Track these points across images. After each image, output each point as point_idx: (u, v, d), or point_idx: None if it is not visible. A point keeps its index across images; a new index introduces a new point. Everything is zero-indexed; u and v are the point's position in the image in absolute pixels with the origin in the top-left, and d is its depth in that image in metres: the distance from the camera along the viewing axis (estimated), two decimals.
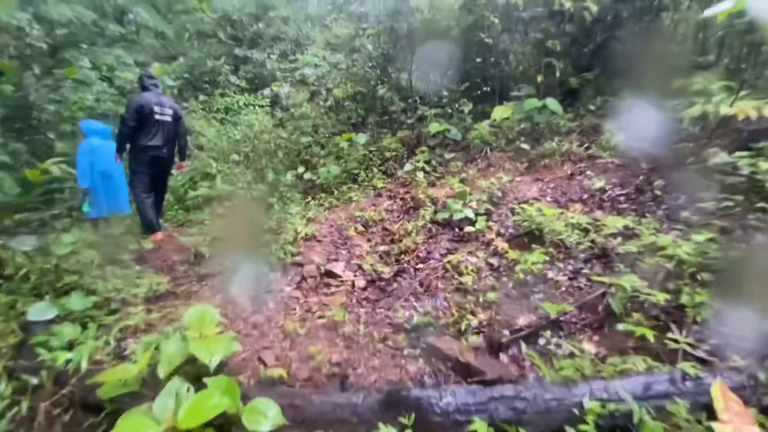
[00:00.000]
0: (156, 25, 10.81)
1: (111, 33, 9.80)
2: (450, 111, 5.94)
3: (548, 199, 3.66)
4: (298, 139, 6.75)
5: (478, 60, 6.11)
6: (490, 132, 4.92)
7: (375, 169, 5.55)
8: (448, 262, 3.11)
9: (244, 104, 8.42)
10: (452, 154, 5.26)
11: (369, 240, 3.88)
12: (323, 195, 5.44)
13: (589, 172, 3.81)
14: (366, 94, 7.35)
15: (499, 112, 4.72)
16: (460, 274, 2.95)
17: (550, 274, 2.72)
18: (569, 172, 3.97)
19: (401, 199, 4.53)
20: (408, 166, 4.69)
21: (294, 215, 4.56)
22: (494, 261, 3.03)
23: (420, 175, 4.41)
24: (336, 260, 3.52)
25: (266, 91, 8.78)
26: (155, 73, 5.09)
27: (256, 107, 8.18)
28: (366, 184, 5.35)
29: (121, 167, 4.78)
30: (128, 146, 4.39)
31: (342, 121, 7.48)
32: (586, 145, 4.19)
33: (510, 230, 3.35)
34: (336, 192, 5.39)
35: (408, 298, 2.85)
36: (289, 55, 10.56)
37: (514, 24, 5.44)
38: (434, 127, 4.94)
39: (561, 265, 2.77)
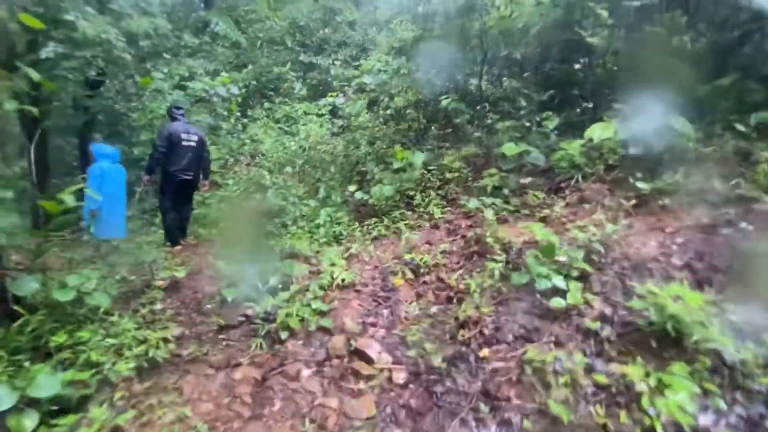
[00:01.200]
0: (232, 34, 10.69)
1: (188, 44, 9.80)
2: (528, 124, 4.74)
3: (676, 262, 2.43)
4: (353, 152, 5.95)
5: (568, 62, 4.84)
6: (582, 155, 3.69)
7: (433, 193, 4.54)
8: (527, 356, 2.07)
9: (304, 112, 7.84)
10: (529, 179, 4.09)
11: (419, 296, 2.93)
12: (373, 220, 4.56)
13: (743, 224, 2.50)
14: (428, 103, 6.34)
15: (598, 129, 3.47)
16: (546, 385, 1.90)
17: (703, 421, 1.58)
18: (706, 220, 2.67)
19: (463, 237, 3.49)
20: (473, 202, 3.61)
21: (333, 251, 3.73)
22: (600, 367, 1.93)
23: (488, 211, 3.33)
24: (374, 325, 2.62)
25: (326, 100, 8.12)
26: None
27: (315, 116, 7.54)
28: (422, 210, 4.37)
29: (124, 191, 4.98)
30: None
31: (402, 131, 6.55)
32: (732, 181, 2.83)
33: (621, 313, 2.20)
34: (387, 218, 4.48)
35: (466, 416, 1.87)
36: (354, 60, 9.83)
37: (621, 16, 4.09)
38: (510, 149, 3.79)
39: (722, 403, 1.61)
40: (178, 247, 4.76)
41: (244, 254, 3.26)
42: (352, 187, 4.90)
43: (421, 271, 3.17)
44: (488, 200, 3.66)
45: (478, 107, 5.87)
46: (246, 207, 5.97)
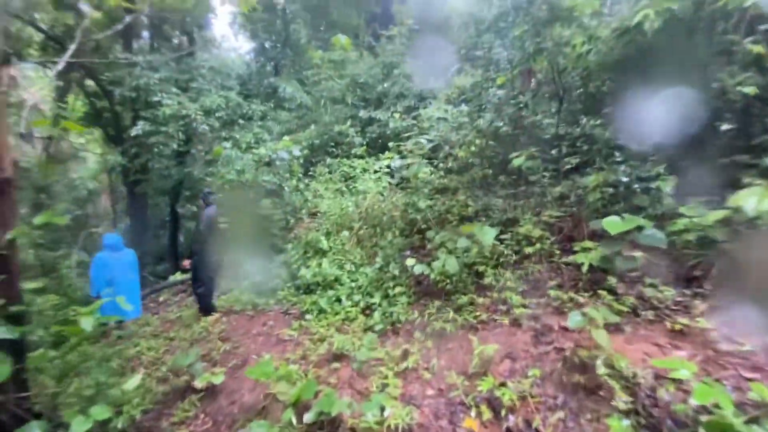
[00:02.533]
0: (298, 96, 10.94)
1: (257, 111, 10.14)
2: (625, 180, 3.64)
3: None
4: (413, 214, 5.23)
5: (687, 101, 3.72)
6: (722, 229, 2.55)
7: (509, 272, 3.59)
8: None
9: (363, 169, 7.38)
10: (640, 255, 2.98)
11: None
12: (435, 305, 3.71)
13: None
14: (497, 154, 5.48)
15: (754, 196, 2.35)
16: None
17: None
18: None
19: (559, 350, 2.50)
20: (575, 319, 2.59)
21: (384, 364, 2.92)
22: None
23: (600, 333, 2.28)
24: None
25: (381, 163, 7.64)
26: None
27: (374, 173, 7.03)
28: (495, 295, 3.43)
29: (133, 274, 5.15)
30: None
31: (465, 184, 5.72)
32: None
33: None
34: (452, 304, 3.60)
35: None
36: (412, 110, 9.35)
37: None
38: (614, 225, 2.74)
39: None
40: (214, 317, 5.03)
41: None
42: (410, 261, 4.13)
43: (503, 407, 2.23)
44: (586, 299, 2.61)
45: (555, 155, 4.88)
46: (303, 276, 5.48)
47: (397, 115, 9.24)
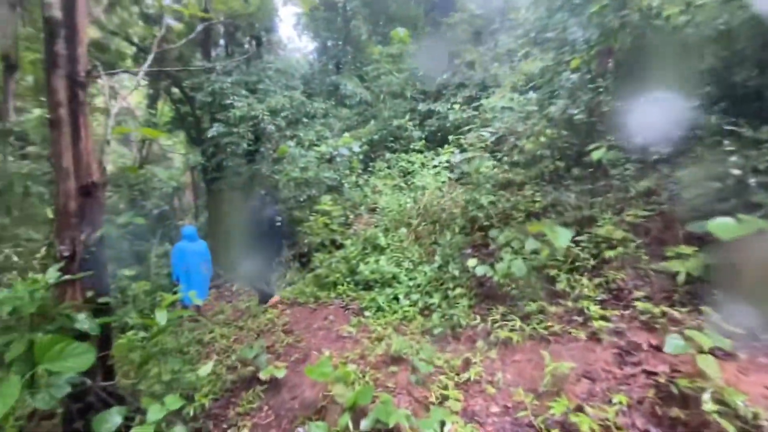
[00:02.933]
0: (358, 92, 10.99)
1: (319, 109, 10.36)
2: (737, 173, 3.02)
3: None
4: (473, 210, 4.94)
5: None
6: None
7: (585, 278, 3.19)
8: None
9: (421, 164, 7.17)
10: (754, 263, 2.44)
11: None
12: (500, 311, 3.43)
13: None
14: (568, 145, 4.95)
15: None
16: None
17: None
18: None
19: (648, 374, 2.13)
20: (673, 344, 2.18)
21: (443, 375, 2.74)
22: None
23: (706, 358, 1.88)
24: None
25: (440, 158, 7.34)
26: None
27: (432, 167, 6.79)
28: (570, 304, 3.06)
29: (200, 265, 5.56)
30: None
31: (532, 178, 5.27)
32: None
33: None
34: (518, 308, 3.30)
35: None
36: (473, 101, 8.90)
37: None
38: (728, 229, 2.23)
39: None
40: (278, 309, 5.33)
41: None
42: (471, 262, 3.87)
43: None
44: (683, 315, 2.18)
45: (640, 144, 4.25)
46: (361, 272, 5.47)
47: (456, 107, 8.87)
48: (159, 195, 11.11)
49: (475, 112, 8.44)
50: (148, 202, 9.67)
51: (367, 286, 5.50)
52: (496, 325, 3.23)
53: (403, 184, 6.83)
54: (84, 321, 1.98)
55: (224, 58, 11.95)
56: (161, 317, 2.21)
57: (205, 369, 3.55)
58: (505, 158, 5.91)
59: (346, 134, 8.00)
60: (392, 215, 6.12)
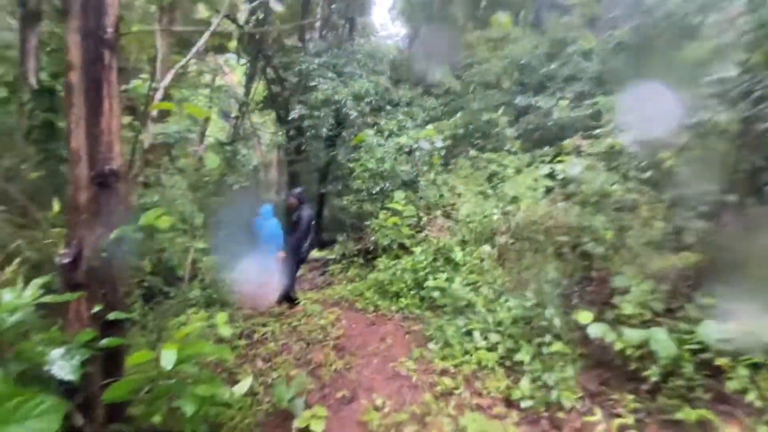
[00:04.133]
0: (446, 80, 9.90)
1: (402, 97, 9.51)
2: None
3: None
4: (585, 243, 3.72)
5: None
6: None
7: None
8: None
9: (516, 169, 5.95)
10: None
11: None
12: (626, 398, 2.32)
13: None
14: (743, 166, 3.45)
15: None
16: None
17: None
18: None
19: None
20: None
21: None
22: None
23: None
24: None
25: (547, 155, 6.00)
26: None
27: (528, 174, 5.55)
28: (752, 422, 1.87)
29: (279, 238, 5.52)
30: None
31: (674, 204, 3.85)
32: None
33: None
34: (657, 403, 2.17)
35: None
36: (585, 97, 7.30)
37: None
38: None
39: None
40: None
41: None
42: (584, 317, 2.78)
43: None
44: None
45: None
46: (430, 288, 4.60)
47: (563, 103, 7.36)
48: (243, 172, 11.31)
49: (588, 111, 6.90)
50: (229, 177, 9.79)
51: (434, 306, 4.64)
52: (624, 426, 2.14)
53: (489, 190, 5.72)
54: (62, 364, 1.42)
55: (317, 41, 11.63)
56: (167, 359, 1.62)
57: (242, 387, 3.03)
58: (632, 173, 4.49)
59: (430, 126, 7.05)
60: (473, 226, 5.11)
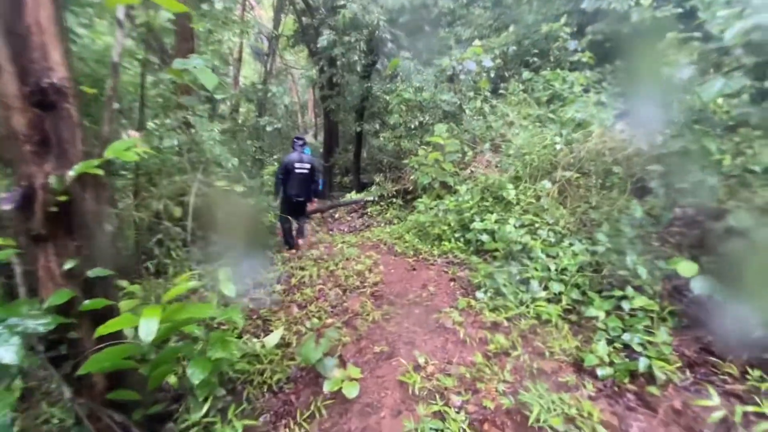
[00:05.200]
0: None
1: (445, 11, 8.08)
2: None
3: None
4: (689, 167, 2.86)
5: None
6: None
7: None
8: None
9: (582, 87, 4.82)
10: None
11: None
12: (750, 375, 1.72)
13: None
14: None
15: None
16: None
17: None
18: None
19: None
20: None
21: None
22: None
23: None
24: None
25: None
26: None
27: (599, 95, 4.44)
28: None
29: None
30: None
31: None
32: None
33: None
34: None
35: None
36: None
37: None
38: None
39: None
40: (292, 251, 5.13)
41: None
42: (686, 267, 2.09)
43: None
44: None
45: None
46: (477, 231, 4.02)
47: (646, 1, 5.78)
48: (276, 113, 10.78)
49: (678, 11, 5.36)
50: (261, 119, 9.33)
51: (481, 251, 4.10)
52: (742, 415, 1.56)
53: (549, 115, 4.73)
54: None
55: None
56: (145, 330, 1.24)
57: (273, 338, 2.79)
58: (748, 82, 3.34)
59: (477, 42, 5.90)
60: (529, 159, 4.29)
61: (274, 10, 14.12)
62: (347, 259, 4.57)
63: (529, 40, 6.85)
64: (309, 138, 17.65)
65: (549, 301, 2.93)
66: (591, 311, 2.46)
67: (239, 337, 3.14)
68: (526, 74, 6.37)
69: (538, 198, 3.99)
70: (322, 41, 7.46)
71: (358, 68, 9.15)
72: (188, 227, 3.70)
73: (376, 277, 3.90)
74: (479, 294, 3.26)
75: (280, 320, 3.31)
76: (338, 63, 8.10)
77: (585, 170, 3.75)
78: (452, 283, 3.59)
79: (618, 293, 2.49)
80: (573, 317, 2.73)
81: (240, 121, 11.01)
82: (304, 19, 12.31)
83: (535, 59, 6.64)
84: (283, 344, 2.85)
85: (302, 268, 4.48)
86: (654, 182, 2.79)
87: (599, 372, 2.07)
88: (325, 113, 11.87)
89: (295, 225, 5.31)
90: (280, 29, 12.87)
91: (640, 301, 2.38)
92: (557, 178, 3.87)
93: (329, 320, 3.23)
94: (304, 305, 3.64)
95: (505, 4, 7.91)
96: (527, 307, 2.93)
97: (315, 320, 3.14)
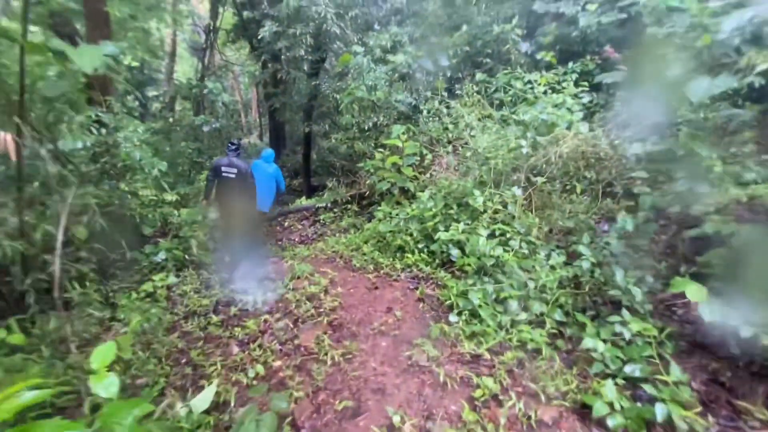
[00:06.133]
0: None
1: (396, 9, 7.66)
2: None
3: None
4: (678, 175, 2.65)
5: None
6: None
7: None
8: None
9: (543, 89, 4.62)
10: None
11: None
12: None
13: None
14: None
15: None
16: None
17: None
18: None
19: None
20: None
21: None
22: None
23: None
24: None
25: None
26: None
27: (562, 94, 4.25)
28: None
29: (269, 183, 5.37)
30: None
31: None
32: None
33: None
34: None
35: None
36: None
37: None
38: None
39: None
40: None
41: None
42: (694, 290, 1.80)
43: None
44: None
45: None
46: (442, 242, 3.61)
47: (592, 7, 5.81)
48: (218, 111, 9.66)
49: (623, 15, 5.42)
50: (197, 118, 8.24)
51: (447, 263, 3.70)
52: None
53: (514, 117, 4.44)
54: None
55: None
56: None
57: (204, 399, 2.10)
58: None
59: (433, 39, 5.53)
60: (493, 163, 3.96)
61: (211, 1, 12.80)
62: (298, 277, 3.94)
63: (481, 41, 6.65)
64: (254, 139, 16.36)
65: (531, 323, 2.58)
66: (587, 342, 2.11)
67: (161, 394, 2.41)
68: (479, 76, 6.14)
69: (505, 205, 3.67)
70: (264, 32, 6.64)
71: (306, 66, 8.43)
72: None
73: (333, 301, 3.32)
74: (453, 317, 2.82)
75: (214, 366, 2.62)
76: (282, 58, 7.33)
77: (553, 175, 3.48)
78: (421, 305, 3.13)
79: (615, 318, 2.17)
80: (560, 343, 2.39)
81: (172, 121, 9.71)
82: (245, 12, 11.25)
83: (488, 60, 6.44)
84: (217, 405, 2.19)
85: (245, 291, 3.78)
86: (637, 188, 2.54)
87: (609, 422, 1.70)
88: (270, 112, 10.93)
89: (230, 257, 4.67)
90: (218, 22, 11.64)
91: (637, 325, 2.08)
92: (522, 181, 3.58)
93: (277, 363, 2.60)
94: (247, 342, 2.97)
95: (456, 4, 7.67)
96: (508, 332, 2.55)
97: (259, 367, 2.50)
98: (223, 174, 4.69)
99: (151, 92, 14.46)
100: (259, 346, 2.83)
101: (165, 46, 14.90)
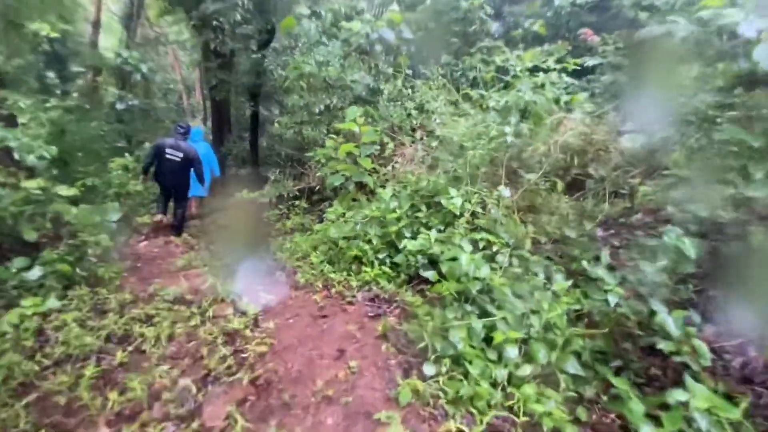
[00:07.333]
0: None
1: None
2: None
3: None
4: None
5: None
6: None
7: None
8: None
9: (528, 69, 3.82)
10: None
11: None
12: None
13: None
14: None
15: None
16: None
17: None
18: None
19: None
20: None
21: None
22: None
23: None
24: None
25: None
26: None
27: (544, 75, 3.50)
28: None
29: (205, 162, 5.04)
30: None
31: None
32: None
33: None
34: None
35: None
36: None
37: None
38: None
39: None
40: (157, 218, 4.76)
41: None
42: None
43: None
44: None
45: None
46: (409, 253, 2.75)
47: None
48: (154, 90, 8.00)
49: None
50: (110, 93, 6.63)
51: (415, 279, 2.87)
52: None
53: (491, 101, 3.63)
54: None
55: None
56: None
57: None
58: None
59: (395, 7, 4.57)
60: (470, 158, 3.14)
61: None
62: (222, 300, 2.91)
63: (447, 17, 5.80)
64: (198, 122, 14.43)
65: (536, 378, 1.80)
66: (639, 425, 1.35)
67: None
68: (445, 58, 5.30)
69: (485, 206, 2.88)
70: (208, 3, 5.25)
71: (252, 40, 7.08)
72: None
73: (261, 341, 2.34)
74: (428, 368, 1.97)
75: None
76: (223, 29, 5.96)
77: (546, 171, 2.73)
78: (384, 345, 2.25)
79: (677, 394, 1.42)
80: (581, 412, 1.63)
81: (87, 98, 7.92)
82: None
83: (455, 39, 5.62)
84: None
85: (148, 320, 2.70)
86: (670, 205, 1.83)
87: None
88: (210, 92, 9.35)
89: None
90: None
91: (702, 401, 1.35)
92: (503, 177, 2.79)
93: None
94: (126, 417, 1.92)
95: None
96: (506, 395, 1.75)
97: None
98: (167, 156, 4.46)
99: (76, 68, 12.09)
100: (141, 427, 1.81)
101: (87, 15, 12.46)
